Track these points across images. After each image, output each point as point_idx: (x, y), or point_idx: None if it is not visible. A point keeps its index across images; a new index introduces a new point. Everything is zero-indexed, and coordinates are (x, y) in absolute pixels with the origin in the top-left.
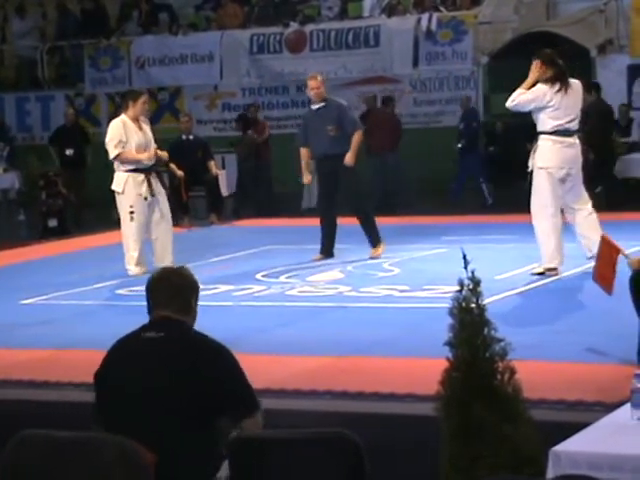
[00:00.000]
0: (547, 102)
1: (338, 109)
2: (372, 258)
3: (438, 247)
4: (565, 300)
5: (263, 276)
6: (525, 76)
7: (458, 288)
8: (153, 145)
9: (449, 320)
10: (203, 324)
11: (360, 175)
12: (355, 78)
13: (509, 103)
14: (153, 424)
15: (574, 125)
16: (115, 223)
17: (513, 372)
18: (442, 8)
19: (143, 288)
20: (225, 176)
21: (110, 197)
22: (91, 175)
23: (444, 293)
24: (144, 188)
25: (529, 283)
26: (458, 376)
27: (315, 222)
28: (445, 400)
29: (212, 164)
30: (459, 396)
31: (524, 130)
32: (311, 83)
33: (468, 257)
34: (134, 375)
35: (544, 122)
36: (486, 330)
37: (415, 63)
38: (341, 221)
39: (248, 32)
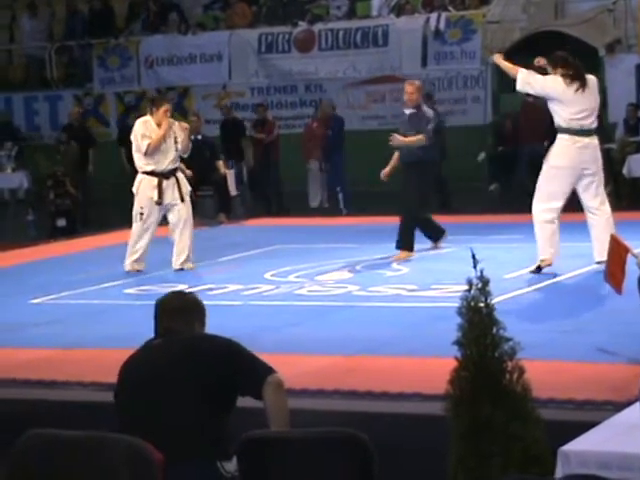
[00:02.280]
0: (559, 95)
1: (423, 117)
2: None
3: (446, 246)
4: (574, 299)
5: (272, 275)
6: None
7: (467, 287)
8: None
9: (458, 319)
10: (212, 323)
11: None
12: (364, 77)
13: (518, 86)
14: (166, 416)
15: (591, 124)
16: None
17: (522, 371)
18: (451, 7)
19: (152, 287)
20: (233, 176)
21: (114, 196)
22: (98, 174)
23: (453, 292)
24: (155, 192)
25: (538, 282)
26: (467, 375)
27: (323, 221)
28: (454, 399)
29: (220, 164)
30: (468, 395)
31: (533, 129)
32: (407, 88)
33: (477, 256)
34: (144, 377)
35: (558, 117)
36: (495, 329)
37: (424, 62)
38: (348, 221)
39: (257, 32)
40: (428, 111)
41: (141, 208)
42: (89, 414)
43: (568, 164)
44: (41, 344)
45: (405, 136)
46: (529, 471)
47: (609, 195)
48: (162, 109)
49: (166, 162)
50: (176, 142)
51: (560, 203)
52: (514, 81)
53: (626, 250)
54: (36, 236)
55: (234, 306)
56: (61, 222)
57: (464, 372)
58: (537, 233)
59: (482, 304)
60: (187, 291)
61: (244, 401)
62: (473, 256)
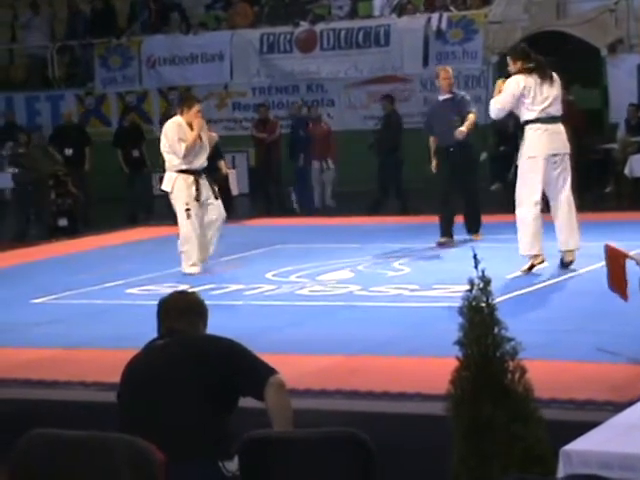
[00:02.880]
0: (523, 90)
1: (462, 101)
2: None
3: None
4: (575, 299)
5: (273, 275)
6: None
7: (468, 287)
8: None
9: (459, 319)
10: (213, 323)
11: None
12: (365, 77)
13: (493, 115)
14: (168, 416)
15: (557, 111)
16: (125, 222)
17: (523, 371)
18: (452, 7)
19: (154, 287)
20: (235, 176)
21: (114, 197)
22: (95, 174)
23: (454, 292)
24: (193, 189)
25: (539, 282)
26: (468, 375)
27: (325, 221)
28: (455, 399)
29: (222, 163)
30: (469, 395)
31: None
32: (442, 74)
33: (478, 256)
34: (147, 377)
35: (527, 112)
36: (496, 329)
37: (425, 62)
38: (350, 221)
39: (258, 31)
40: (461, 93)
41: (186, 204)
42: (91, 414)
43: (541, 151)
44: (43, 344)
45: (449, 121)
46: (531, 471)
47: (609, 196)
48: (194, 110)
49: (200, 161)
50: (201, 140)
51: (539, 195)
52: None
53: (624, 256)
54: (37, 236)
55: (235, 306)
56: (62, 222)
57: (465, 372)
58: (521, 229)
59: (483, 304)
60: (190, 291)
61: (246, 401)
62: (474, 256)
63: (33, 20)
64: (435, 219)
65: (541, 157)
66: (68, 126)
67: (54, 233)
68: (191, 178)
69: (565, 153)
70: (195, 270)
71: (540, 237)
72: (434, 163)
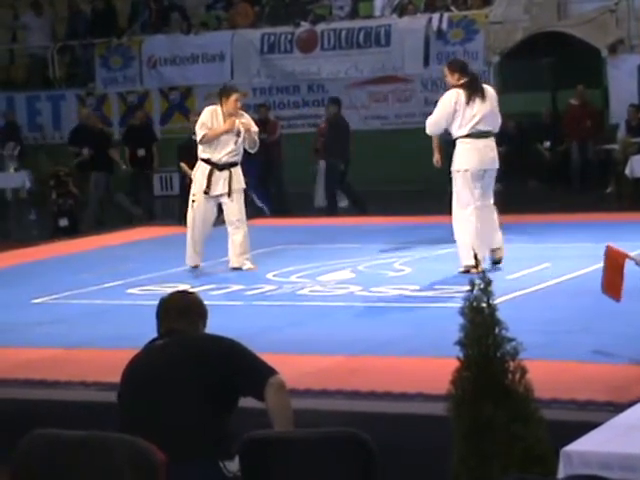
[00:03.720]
0: (457, 106)
1: None
2: None
3: (449, 247)
4: (576, 300)
5: (274, 276)
6: (535, 76)
7: (469, 288)
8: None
9: (460, 320)
10: (214, 323)
11: None
12: (366, 78)
13: (429, 132)
14: (168, 416)
15: (489, 127)
16: (131, 221)
17: (524, 372)
18: (453, 8)
19: (154, 287)
20: None
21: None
22: None
23: (455, 293)
24: (205, 181)
25: (540, 283)
26: (469, 376)
27: (325, 222)
28: (456, 400)
29: None
30: (470, 396)
31: (535, 130)
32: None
33: (479, 257)
34: (147, 377)
35: (458, 128)
36: (497, 330)
37: (426, 62)
38: (351, 221)
39: (259, 32)
40: None
41: (193, 195)
42: (92, 414)
43: (471, 166)
44: (43, 344)
45: None
46: (531, 471)
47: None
48: (232, 98)
49: (222, 153)
50: (238, 136)
51: (476, 204)
52: (516, 81)
53: (623, 256)
54: (38, 236)
55: (236, 306)
56: (63, 222)
57: (466, 372)
58: (459, 240)
59: (484, 304)
60: (190, 291)
61: (246, 401)
62: (475, 256)
63: (34, 20)
64: (435, 220)
65: (470, 172)
66: (89, 128)
67: (55, 233)
68: (208, 169)
69: (493, 169)
70: (188, 262)
71: (479, 247)
72: (437, 157)
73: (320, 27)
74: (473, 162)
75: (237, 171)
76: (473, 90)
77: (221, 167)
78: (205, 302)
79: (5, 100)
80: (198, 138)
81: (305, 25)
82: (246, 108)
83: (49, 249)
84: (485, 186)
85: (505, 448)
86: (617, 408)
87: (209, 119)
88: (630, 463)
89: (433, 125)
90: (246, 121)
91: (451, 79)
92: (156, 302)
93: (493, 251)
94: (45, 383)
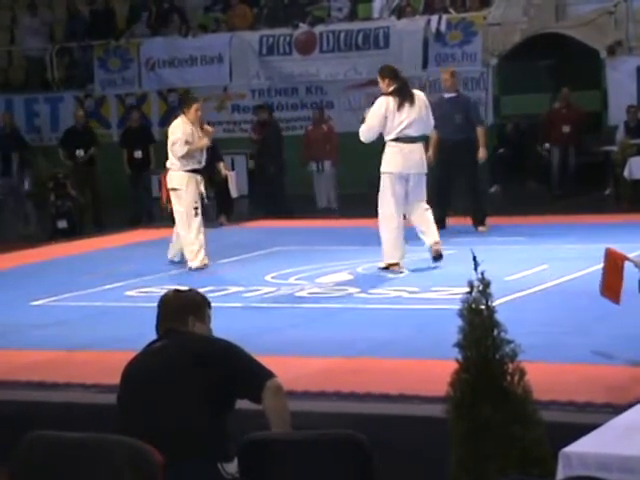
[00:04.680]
0: (387, 112)
1: (467, 102)
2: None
3: (447, 248)
4: (574, 301)
5: (273, 277)
6: (534, 77)
7: (468, 289)
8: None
9: (459, 321)
10: (213, 325)
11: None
12: (365, 79)
13: (363, 139)
14: (166, 418)
15: (417, 132)
16: (130, 223)
17: (523, 373)
18: (451, 10)
19: (153, 289)
20: (235, 177)
21: (118, 197)
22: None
23: (454, 294)
24: (202, 187)
25: (538, 284)
26: (468, 377)
27: (324, 223)
28: (455, 402)
29: (221, 165)
30: (469, 397)
31: (534, 132)
32: (443, 75)
33: (478, 258)
34: (145, 379)
35: (388, 133)
36: (496, 331)
37: (425, 64)
38: (349, 223)
39: (257, 33)
40: (466, 95)
41: (195, 203)
42: (91, 416)
43: (397, 169)
44: (43, 346)
45: (456, 118)
46: (530, 473)
47: (609, 198)
48: (193, 108)
49: (202, 160)
50: None
51: (400, 207)
52: (515, 83)
53: (623, 258)
54: (37, 238)
55: (235, 308)
56: (62, 224)
57: (465, 374)
58: (383, 237)
59: (483, 306)
60: (185, 289)
61: (244, 403)
62: (474, 258)
63: (32, 22)
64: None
65: (395, 175)
66: (79, 128)
67: (53, 235)
68: (199, 177)
69: (417, 173)
70: (205, 262)
71: (400, 245)
72: (430, 153)
73: (319, 29)
74: (397, 166)
75: None
76: (403, 96)
77: (201, 172)
78: (205, 296)
79: (3, 102)
80: (180, 154)
81: (304, 27)
82: (245, 110)
83: (48, 251)
84: (413, 189)
85: (504, 450)
86: (616, 409)
87: (187, 133)
88: (629, 465)
89: (366, 132)
90: (209, 128)
91: (382, 85)
92: (155, 304)
93: (432, 246)
94: (44, 385)
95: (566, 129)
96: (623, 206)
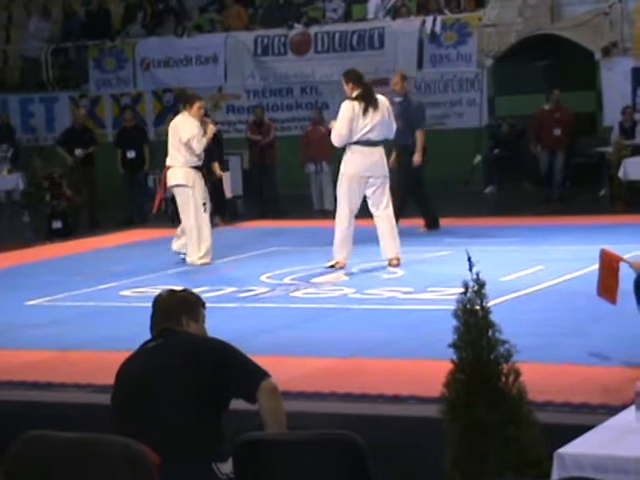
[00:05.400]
0: (353, 114)
1: (411, 107)
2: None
3: (442, 249)
4: (569, 302)
5: (267, 278)
6: (529, 78)
7: (463, 290)
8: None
9: (453, 322)
10: (207, 325)
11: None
12: None
13: (335, 143)
14: (161, 418)
15: (379, 137)
16: (125, 223)
17: (518, 374)
18: (446, 10)
19: (147, 289)
20: (229, 178)
21: (114, 198)
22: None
23: (448, 295)
24: (203, 182)
25: (533, 285)
26: (463, 378)
27: (319, 224)
28: (449, 402)
29: (216, 166)
30: (463, 398)
31: (529, 132)
32: (393, 79)
33: (473, 259)
34: (140, 379)
35: (352, 135)
36: (490, 332)
37: (419, 65)
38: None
39: (252, 34)
40: (415, 100)
41: (204, 199)
42: (85, 416)
43: (356, 172)
44: (37, 346)
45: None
46: (525, 474)
47: (603, 199)
48: (196, 106)
49: (203, 157)
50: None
51: (354, 208)
52: (510, 84)
53: (618, 259)
54: (32, 238)
55: (229, 308)
56: (57, 224)
57: (460, 375)
58: (336, 236)
59: (478, 307)
60: (179, 288)
61: (239, 403)
62: (469, 259)
63: (27, 22)
64: (421, 222)
65: (355, 177)
66: (78, 127)
67: (48, 235)
68: (201, 172)
69: (380, 176)
70: (208, 259)
71: (347, 245)
72: (417, 156)
73: (314, 29)
74: (357, 168)
75: None
76: (367, 101)
77: (202, 168)
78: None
79: None
80: (199, 150)
81: (299, 27)
82: (240, 110)
83: (43, 251)
84: (373, 192)
85: (499, 450)
86: (611, 410)
87: (196, 129)
88: (624, 466)
89: (339, 137)
90: (211, 126)
91: (346, 89)
92: (149, 304)
93: (388, 260)
94: (39, 385)
95: (557, 132)
96: (618, 207)
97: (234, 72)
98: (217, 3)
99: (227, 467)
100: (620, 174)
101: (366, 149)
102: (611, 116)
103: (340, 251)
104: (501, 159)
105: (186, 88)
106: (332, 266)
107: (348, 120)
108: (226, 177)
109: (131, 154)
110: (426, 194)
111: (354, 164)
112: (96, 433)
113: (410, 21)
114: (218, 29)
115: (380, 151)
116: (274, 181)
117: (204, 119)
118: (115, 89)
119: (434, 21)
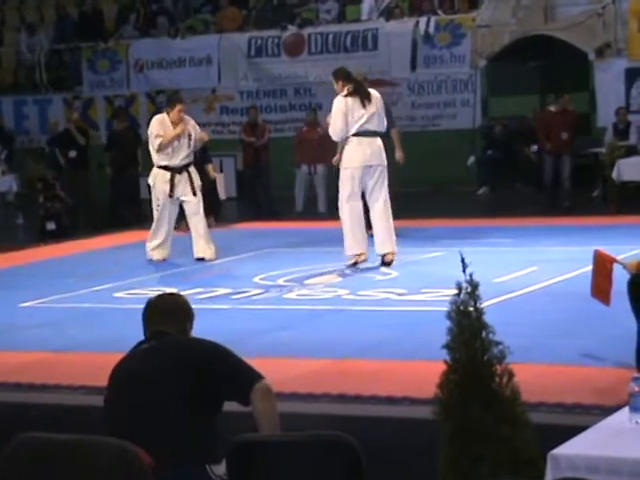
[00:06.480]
0: (346, 108)
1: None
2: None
3: (436, 250)
4: (563, 303)
5: (261, 279)
6: (522, 79)
7: (456, 291)
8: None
9: (447, 323)
10: (200, 327)
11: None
12: None
13: (334, 138)
14: (154, 419)
15: (374, 127)
16: (113, 225)
17: (511, 375)
18: (440, 11)
19: (141, 291)
20: (223, 179)
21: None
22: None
23: (442, 296)
24: (168, 186)
25: (527, 286)
26: (456, 379)
27: (312, 225)
28: (443, 403)
29: (210, 167)
30: (457, 399)
31: (522, 133)
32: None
33: (466, 260)
34: (133, 381)
35: (350, 126)
36: (484, 333)
37: (413, 66)
38: (338, 225)
39: (246, 35)
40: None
41: (157, 199)
42: (79, 418)
43: (357, 163)
44: (31, 347)
45: None
46: (519, 474)
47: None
48: (176, 108)
49: (179, 158)
50: (190, 139)
51: (360, 200)
52: (503, 85)
53: (612, 260)
54: (26, 240)
55: (223, 309)
56: (51, 225)
57: (453, 376)
58: (344, 232)
59: (471, 308)
60: (175, 293)
61: (233, 405)
62: (462, 260)
63: (21, 24)
64: (420, 223)
65: (356, 167)
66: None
67: (42, 237)
68: (168, 175)
69: (379, 165)
70: (159, 256)
71: (361, 238)
72: (398, 154)
73: (307, 31)
74: (357, 159)
75: (193, 170)
76: (360, 95)
77: (180, 170)
78: (192, 305)
79: None
80: (156, 147)
81: (292, 29)
82: (233, 112)
83: (36, 253)
84: (375, 184)
85: (492, 451)
86: (605, 411)
87: (158, 128)
88: (617, 466)
89: (334, 131)
90: (204, 134)
91: (337, 87)
92: (142, 306)
93: (382, 255)
94: (33, 386)
95: (564, 136)
96: (611, 208)
97: (228, 73)
98: (211, 5)
99: (221, 469)
100: (614, 175)
101: (365, 140)
102: (605, 117)
103: (352, 245)
104: (494, 160)
105: (180, 89)
106: (354, 263)
107: (342, 114)
108: (220, 179)
109: (120, 156)
110: None
111: (355, 155)
112: (90, 435)
113: (404, 22)
114: (212, 30)
115: (379, 141)
116: (268, 182)
117: (185, 121)
118: (109, 91)
119: (428, 22)
